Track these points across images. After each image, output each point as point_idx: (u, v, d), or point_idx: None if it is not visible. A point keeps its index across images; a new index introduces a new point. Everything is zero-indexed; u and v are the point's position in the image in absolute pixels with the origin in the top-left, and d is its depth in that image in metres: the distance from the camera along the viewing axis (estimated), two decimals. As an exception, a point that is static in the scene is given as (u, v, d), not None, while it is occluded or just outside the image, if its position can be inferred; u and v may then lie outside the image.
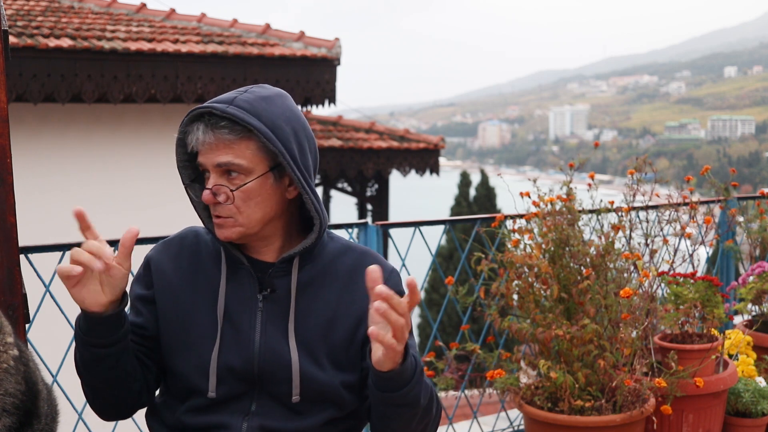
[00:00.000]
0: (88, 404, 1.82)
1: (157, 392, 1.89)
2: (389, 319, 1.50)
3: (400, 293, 1.71)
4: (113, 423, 3.02)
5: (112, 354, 1.68)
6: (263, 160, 1.69)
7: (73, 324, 1.71)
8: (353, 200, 11.46)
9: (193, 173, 1.78)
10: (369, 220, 10.45)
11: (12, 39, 6.39)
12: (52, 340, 2.94)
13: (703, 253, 3.65)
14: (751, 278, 3.40)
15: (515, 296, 2.98)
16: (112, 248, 1.63)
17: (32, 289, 2.30)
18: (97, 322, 1.64)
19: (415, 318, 13.96)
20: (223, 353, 1.73)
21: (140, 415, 1.94)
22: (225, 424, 1.73)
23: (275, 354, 1.73)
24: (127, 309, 1.74)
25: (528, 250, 2.93)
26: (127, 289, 1.71)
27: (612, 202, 3.18)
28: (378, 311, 1.49)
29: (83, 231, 1.59)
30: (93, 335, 1.65)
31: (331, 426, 1.79)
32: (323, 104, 8.11)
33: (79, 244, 2.82)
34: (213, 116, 1.66)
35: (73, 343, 2.82)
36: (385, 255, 6.91)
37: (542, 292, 2.90)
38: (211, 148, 1.67)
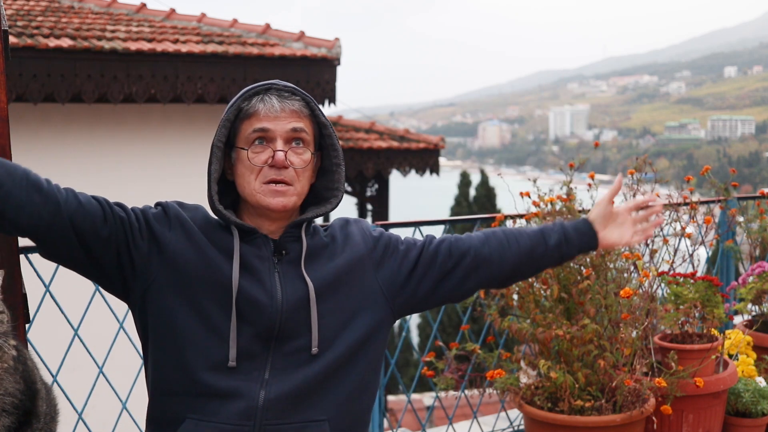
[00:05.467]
0: None
1: (149, 405, 1.85)
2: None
3: (379, 237, 1.95)
4: (113, 423, 3.03)
5: None
6: (314, 140, 1.89)
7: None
8: (353, 200, 11.45)
9: (221, 156, 1.85)
10: (369, 220, 10.43)
11: (12, 39, 6.39)
12: (52, 340, 2.94)
13: (703, 253, 3.64)
14: (751, 278, 3.40)
15: (515, 296, 2.98)
16: None
17: (32, 289, 2.30)
18: None
19: (415, 318, 13.95)
20: (242, 308, 1.75)
21: (140, 416, 1.93)
22: (240, 392, 1.73)
23: (296, 308, 1.78)
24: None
25: (528, 250, 2.93)
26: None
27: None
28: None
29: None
30: None
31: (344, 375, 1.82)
32: (323, 104, 8.10)
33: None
34: (284, 91, 1.86)
35: (74, 344, 2.83)
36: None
37: (542, 292, 2.90)
38: (286, 115, 1.84)
